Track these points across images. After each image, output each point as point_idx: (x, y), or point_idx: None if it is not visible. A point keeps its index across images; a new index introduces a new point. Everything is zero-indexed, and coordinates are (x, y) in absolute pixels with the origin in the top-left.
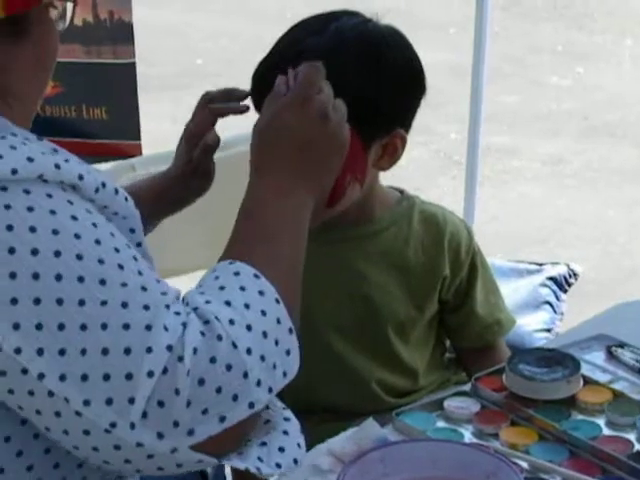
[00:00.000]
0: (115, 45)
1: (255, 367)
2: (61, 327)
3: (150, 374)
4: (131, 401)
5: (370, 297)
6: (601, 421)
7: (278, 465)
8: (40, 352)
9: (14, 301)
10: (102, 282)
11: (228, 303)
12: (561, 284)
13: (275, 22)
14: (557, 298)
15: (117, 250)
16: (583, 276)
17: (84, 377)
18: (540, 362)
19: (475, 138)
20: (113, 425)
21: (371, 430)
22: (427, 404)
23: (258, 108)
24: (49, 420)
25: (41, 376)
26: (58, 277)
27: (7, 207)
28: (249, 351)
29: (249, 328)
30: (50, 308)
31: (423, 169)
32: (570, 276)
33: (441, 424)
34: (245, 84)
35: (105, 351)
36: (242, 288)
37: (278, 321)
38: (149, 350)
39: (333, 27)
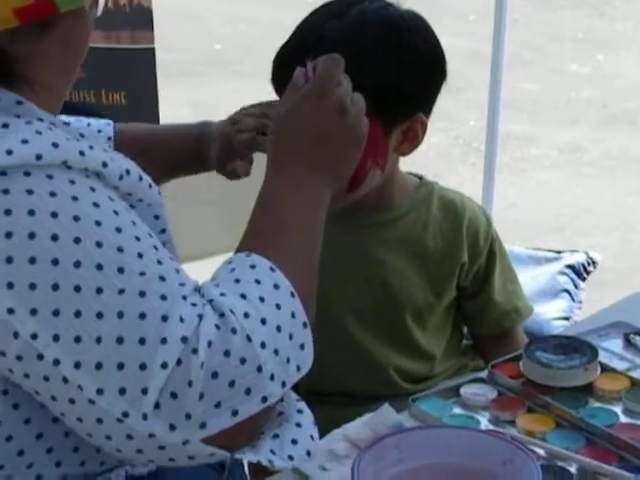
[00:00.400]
0: (134, 30)
1: (269, 361)
2: (77, 314)
3: (164, 365)
4: (144, 391)
5: (388, 283)
6: (618, 409)
7: (290, 457)
8: (56, 338)
9: (32, 286)
10: (120, 270)
11: (243, 296)
12: (580, 272)
13: (295, 7)
14: (575, 286)
15: (138, 238)
16: (601, 264)
17: (98, 365)
18: (557, 349)
19: (494, 125)
20: (125, 415)
21: (387, 416)
22: (443, 390)
23: (279, 94)
24: (64, 406)
25: (56, 362)
26: (77, 264)
27: (29, 192)
28: (263, 345)
29: (264, 322)
30: (68, 295)
31: (442, 155)
32: (589, 264)
33: (457, 411)
34: (264, 69)
35: (120, 340)
36: (257, 281)
37: (293, 315)
38: (164, 341)
39: (355, 11)
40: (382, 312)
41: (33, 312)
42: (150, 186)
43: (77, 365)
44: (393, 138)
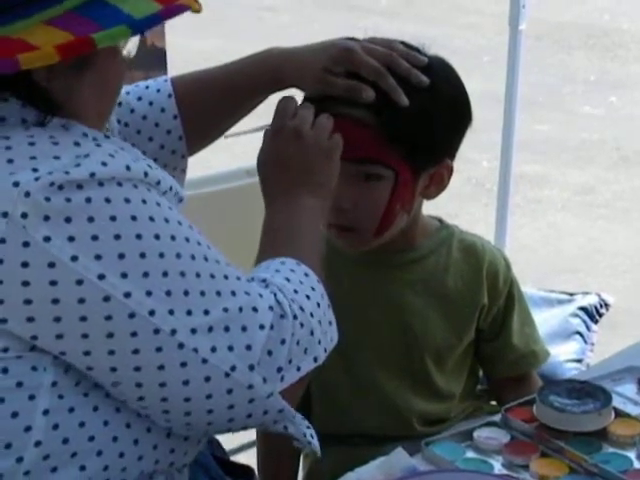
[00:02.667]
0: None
1: (316, 328)
2: (186, 293)
3: (262, 327)
4: (248, 348)
5: (409, 324)
6: (632, 454)
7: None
8: (171, 312)
9: (145, 274)
10: (205, 259)
11: (287, 279)
12: (592, 314)
13: None
14: (588, 328)
15: (199, 243)
16: (614, 306)
17: (210, 329)
18: (571, 394)
19: (507, 166)
20: (233, 368)
21: (400, 459)
22: (456, 434)
23: None
24: (171, 373)
25: (174, 332)
26: (178, 255)
27: (127, 200)
28: (312, 315)
29: (308, 298)
30: (175, 278)
31: (455, 196)
32: (601, 306)
33: (470, 454)
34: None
35: (225, 310)
36: (292, 270)
37: (322, 297)
38: (255, 310)
39: None
40: (402, 353)
41: (148, 294)
42: (175, 194)
43: (193, 331)
44: (420, 182)
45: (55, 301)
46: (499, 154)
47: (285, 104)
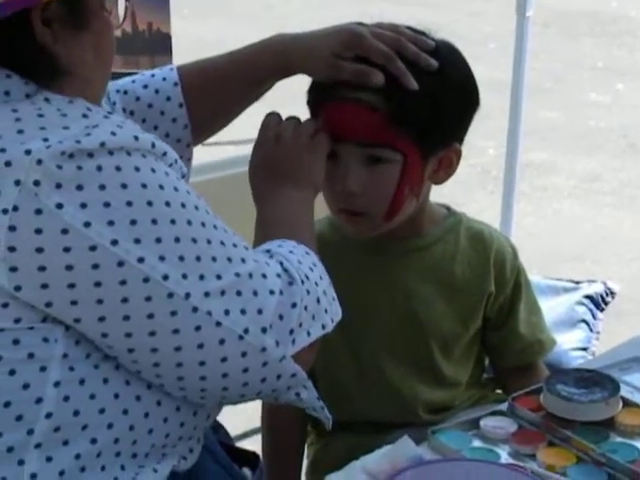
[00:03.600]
0: (153, 56)
1: (322, 297)
2: (198, 258)
3: (272, 292)
4: (260, 312)
5: (415, 312)
6: None
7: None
8: (184, 277)
9: (158, 240)
10: (215, 227)
11: (291, 252)
12: (598, 302)
13: None
14: (593, 316)
15: (207, 212)
16: (620, 294)
17: (222, 293)
18: (578, 383)
19: (513, 154)
20: (246, 331)
21: (406, 448)
22: (463, 423)
23: (315, 111)
24: (186, 336)
25: (187, 295)
26: (189, 222)
27: (137, 169)
28: (317, 284)
29: (311, 269)
30: (187, 244)
31: (461, 183)
32: (607, 294)
33: (477, 443)
34: (284, 95)
35: (237, 274)
36: (293, 247)
37: (323, 274)
38: (264, 276)
39: None
40: (408, 341)
41: (161, 258)
42: (180, 168)
43: (207, 294)
44: (429, 167)
45: (69, 267)
46: (505, 141)
47: (268, 119)
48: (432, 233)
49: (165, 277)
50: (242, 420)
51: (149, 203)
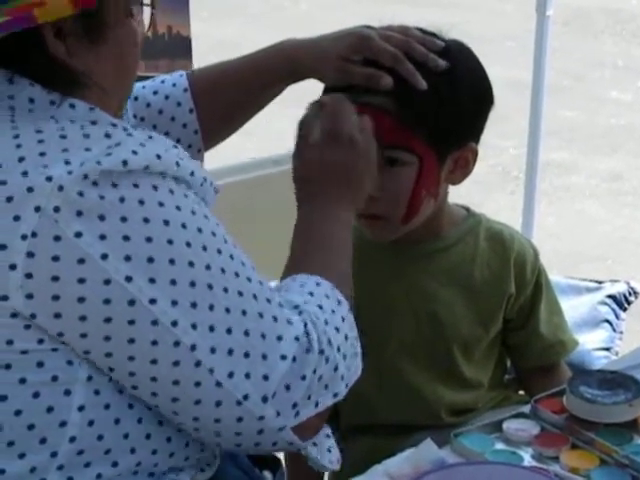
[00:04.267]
0: (173, 59)
1: (341, 363)
2: (211, 307)
3: (283, 357)
4: (265, 378)
5: (435, 314)
6: None
7: (330, 461)
8: (194, 326)
9: (173, 282)
10: (236, 274)
11: (320, 307)
12: (621, 302)
13: None
14: (616, 316)
15: (231, 257)
16: None
17: (230, 352)
18: (601, 384)
19: (534, 153)
20: (246, 397)
21: (429, 451)
22: (486, 425)
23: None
24: (185, 390)
25: (193, 347)
26: (207, 267)
27: (161, 204)
28: (338, 349)
29: (337, 330)
30: (202, 291)
31: (481, 184)
32: (630, 294)
33: (500, 446)
34: (301, 95)
35: (247, 332)
36: (326, 296)
37: (351, 327)
38: (279, 338)
39: None
40: (429, 344)
41: (174, 303)
42: (211, 184)
43: (213, 350)
44: (445, 167)
45: (81, 299)
46: (525, 141)
47: (335, 104)
48: (451, 235)
49: (174, 323)
50: None
51: (169, 241)
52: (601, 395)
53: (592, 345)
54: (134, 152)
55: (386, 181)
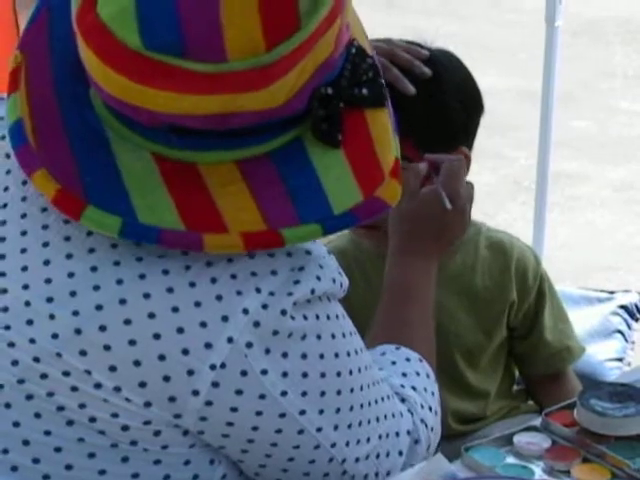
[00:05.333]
0: None
1: (432, 442)
2: (360, 424)
3: (400, 454)
4: (388, 474)
5: (437, 323)
6: None
7: None
8: (347, 444)
9: (338, 410)
10: (373, 384)
11: (414, 388)
12: (632, 312)
13: None
14: (628, 327)
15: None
16: None
17: (367, 457)
18: (612, 397)
19: (545, 163)
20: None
21: (439, 465)
22: (496, 439)
23: None
24: (298, 465)
25: (344, 461)
26: (361, 388)
27: (333, 336)
28: (432, 429)
29: (430, 409)
30: (358, 411)
31: (492, 194)
32: None
33: (511, 460)
34: None
35: (380, 437)
36: (417, 373)
37: (438, 400)
38: (397, 434)
39: None
40: None
41: (335, 428)
42: (341, 285)
43: (357, 460)
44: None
45: (255, 428)
46: (536, 151)
47: (456, 165)
48: None
49: (333, 445)
50: None
51: (338, 374)
52: (612, 408)
53: (604, 356)
54: (318, 278)
55: None
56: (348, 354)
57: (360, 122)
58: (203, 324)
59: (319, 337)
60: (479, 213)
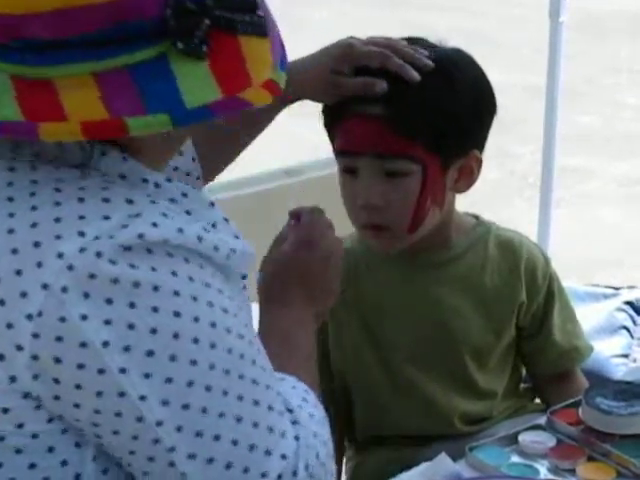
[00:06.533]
0: None
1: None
2: (204, 410)
3: (263, 475)
4: None
5: (446, 323)
6: None
7: None
8: (179, 429)
9: (169, 380)
10: (240, 377)
11: (311, 415)
12: (638, 309)
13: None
14: (634, 323)
15: (246, 340)
16: None
17: (209, 460)
18: (617, 395)
19: (550, 159)
20: None
21: (444, 465)
22: (501, 438)
23: (330, 130)
24: None
25: (172, 449)
26: (211, 366)
27: (177, 294)
28: (323, 464)
29: (325, 444)
30: (201, 393)
31: (498, 190)
32: None
33: (515, 459)
34: (313, 105)
35: (235, 442)
36: (315, 407)
37: (327, 427)
38: (268, 453)
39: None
40: (441, 353)
41: (164, 403)
42: (243, 253)
43: (191, 456)
44: (449, 176)
45: (78, 387)
46: (542, 147)
47: (314, 218)
48: (460, 244)
49: (159, 423)
50: None
51: (175, 336)
52: (617, 406)
53: (610, 352)
54: (154, 224)
55: (390, 191)
56: (196, 319)
57: (231, 43)
58: (18, 272)
59: (156, 289)
60: (485, 210)
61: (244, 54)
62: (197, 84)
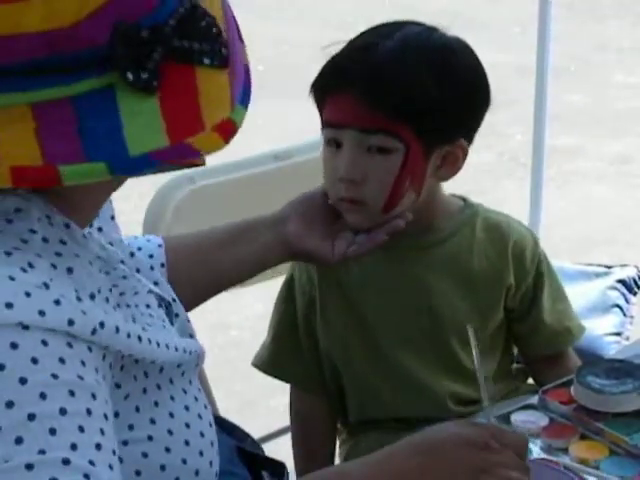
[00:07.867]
0: None
1: None
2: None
3: None
4: None
5: (433, 307)
6: None
7: None
8: None
9: None
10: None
11: None
12: (631, 287)
13: (336, 28)
14: (627, 301)
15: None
16: None
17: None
18: (609, 374)
19: (540, 139)
20: None
21: None
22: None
23: (320, 98)
24: None
25: None
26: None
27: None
28: None
29: None
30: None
31: (488, 171)
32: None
33: None
34: (305, 88)
35: None
36: None
37: None
38: None
39: (398, 34)
40: (429, 337)
41: None
42: (128, 336)
43: None
44: (431, 162)
45: None
46: (532, 127)
47: (520, 444)
48: (446, 227)
49: None
50: (263, 423)
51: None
52: (609, 385)
53: (603, 330)
54: (8, 305)
55: (371, 167)
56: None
57: (187, 75)
58: None
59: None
60: (476, 190)
61: (199, 89)
62: (143, 126)
